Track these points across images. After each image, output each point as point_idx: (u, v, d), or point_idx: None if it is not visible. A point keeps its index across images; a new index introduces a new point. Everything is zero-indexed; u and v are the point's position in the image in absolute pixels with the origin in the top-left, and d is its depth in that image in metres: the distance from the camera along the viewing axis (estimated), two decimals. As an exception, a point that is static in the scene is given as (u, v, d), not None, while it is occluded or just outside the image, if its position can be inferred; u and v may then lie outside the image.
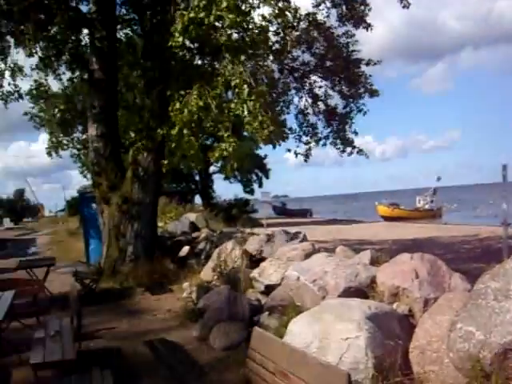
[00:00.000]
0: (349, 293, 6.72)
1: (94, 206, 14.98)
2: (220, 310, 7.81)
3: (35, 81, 15.37)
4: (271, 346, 3.58)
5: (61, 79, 15.56)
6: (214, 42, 8.93)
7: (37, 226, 66.86)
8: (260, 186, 48.16)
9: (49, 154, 26.23)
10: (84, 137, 27.98)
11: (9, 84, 13.50)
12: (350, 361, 4.77)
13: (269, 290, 8.41)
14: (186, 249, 13.41)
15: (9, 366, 6.61)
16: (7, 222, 67.14)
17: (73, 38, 12.55)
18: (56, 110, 22.59)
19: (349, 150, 14.75)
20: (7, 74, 13.29)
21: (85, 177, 30.09)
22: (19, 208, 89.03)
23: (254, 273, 9.03)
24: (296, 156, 14.16)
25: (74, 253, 20.33)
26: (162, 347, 7.39)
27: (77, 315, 5.50)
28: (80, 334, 5.67)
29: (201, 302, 8.70)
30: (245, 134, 34.64)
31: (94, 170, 13.58)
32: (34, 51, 11.80)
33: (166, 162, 9.20)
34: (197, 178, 47.97)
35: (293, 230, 12.20)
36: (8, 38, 13.06)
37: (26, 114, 25.49)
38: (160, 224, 15.90)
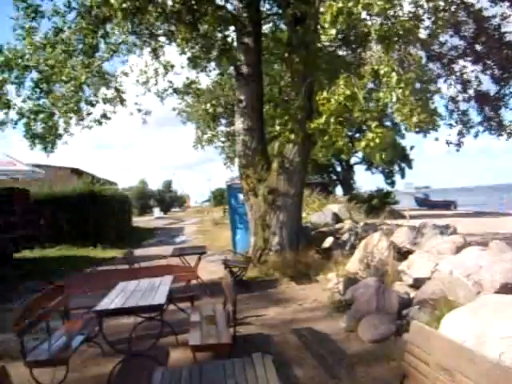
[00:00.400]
0: (506, 289, 6.35)
1: (240, 196, 15.48)
2: (368, 301, 7.72)
3: (187, 78, 16.24)
4: (432, 340, 3.47)
5: (209, 75, 16.29)
6: (361, 31, 8.82)
7: (183, 215, 70.22)
8: (402, 176, 47.08)
9: (195, 147, 27.62)
10: (228, 130, 29.01)
11: (163, 81, 14.45)
12: (511, 362, 4.51)
13: (418, 283, 8.17)
14: (329, 240, 13.39)
15: (167, 345, 7.03)
16: (157, 212, 70.98)
17: (220, 35, 13.02)
18: (208, 104, 23.55)
19: (505, 134, 13.95)
20: (161, 71, 14.18)
21: (228, 168, 31.04)
22: (168, 198, 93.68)
23: (403, 265, 8.81)
24: (448, 145, 13.68)
25: (219, 242, 21.09)
26: (310, 336, 7.43)
27: (232, 302, 5.71)
28: (234, 320, 5.88)
29: (348, 293, 8.66)
30: (387, 124, 33.96)
31: (241, 162, 13.99)
32: (185, 50, 12.40)
33: (321, 153, 9.26)
34: (338, 169, 47.91)
35: (436, 222, 11.77)
36: (161, 38, 13.93)
37: (174, 109, 26.84)
38: (303, 215, 16.03)
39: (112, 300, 5.93)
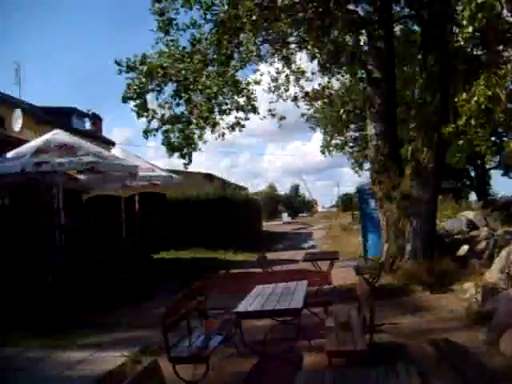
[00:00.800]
0: None
1: (371, 202, 15.28)
2: (510, 314, 7.32)
3: (319, 84, 16.43)
4: None
5: (338, 79, 16.33)
6: (500, 27, 8.43)
7: (311, 220, 70.47)
8: (545, 182, 43.95)
9: (322, 152, 27.77)
10: (356, 135, 28.81)
11: (293, 87, 14.71)
12: None
13: None
14: (464, 248, 12.88)
15: (300, 349, 7.07)
16: (285, 217, 71.84)
17: (351, 39, 12.97)
18: (341, 110, 23.60)
19: None
20: (292, 78, 14.42)
21: (356, 173, 30.74)
22: (295, 203, 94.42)
23: (549, 277, 8.28)
24: None
25: (348, 247, 20.95)
26: (447, 348, 7.16)
27: (369, 308, 5.66)
28: (371, 327, 5.80)
29: (487, 305, 8.28)
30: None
31: (373, 168, 13.82)
32: (316, 55, 12.50)
33: (456, 158, 8.93)
34: (472, 174, 45.68)
35: None
36: (292, 45, 14.16)
37: (302, 115, 27.07)
38: (436, 221, 15.52)
39: (250, 303, 6.11)
